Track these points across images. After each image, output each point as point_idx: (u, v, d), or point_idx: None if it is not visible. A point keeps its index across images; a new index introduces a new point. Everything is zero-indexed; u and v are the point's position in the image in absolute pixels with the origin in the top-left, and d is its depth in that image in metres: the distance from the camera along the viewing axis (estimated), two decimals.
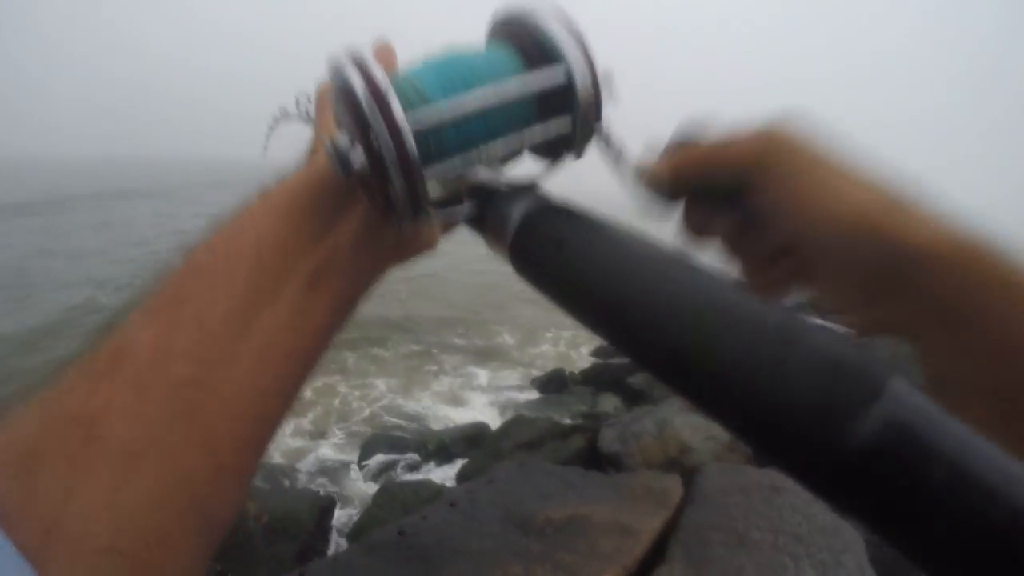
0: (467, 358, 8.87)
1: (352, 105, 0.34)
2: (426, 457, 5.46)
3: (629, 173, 0.40)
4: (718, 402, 0.27)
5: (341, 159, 0.35)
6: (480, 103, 0.37)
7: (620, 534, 2.08)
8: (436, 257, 0.46)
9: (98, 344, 0.33)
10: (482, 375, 8.17)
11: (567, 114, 0.40)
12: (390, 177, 0.34)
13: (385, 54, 0.44)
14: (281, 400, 0.37)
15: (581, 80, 0.39)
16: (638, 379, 6.24)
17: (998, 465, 0.20)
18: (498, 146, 0.39)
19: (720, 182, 0.36)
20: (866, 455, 0.21)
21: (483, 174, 0.42)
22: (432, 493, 3.98)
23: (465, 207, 0.42)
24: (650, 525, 2.16)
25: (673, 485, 2.54)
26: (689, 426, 3.71)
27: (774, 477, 3.05)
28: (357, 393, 7.37)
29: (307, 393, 6.98)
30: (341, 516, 4.27)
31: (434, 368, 8.39)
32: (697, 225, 0.39)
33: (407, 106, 0.35)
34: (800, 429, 0.23)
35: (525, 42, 0.40)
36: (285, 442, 5.91)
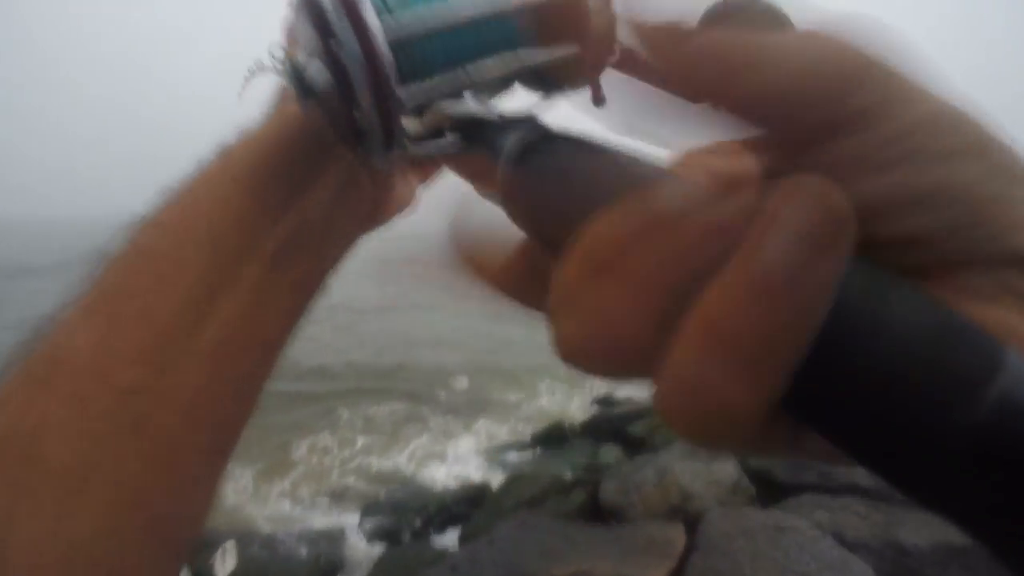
0: (464, 413, 8.78)
1: (312, 6, 0.28)
2: (427, 519, 5.35)
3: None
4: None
5: (297, 77, 0.29)
6: (472, 10, 0.30)
7: None
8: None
9: (32, 348, 0.29)
10: (481, 431, 8.07)
11: (572, 39, 0.32)
12: (356, 95, 0.28)
13: None
14: (243, 401, 0.33)
15: None
16: (639, 427, 6.18)
17: None
18: (489, 67, 0.32)
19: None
20: (981, 442, 0.16)
21: (470, 103, 0.33)
22: (434, 556, 3.90)
23: (448, 140, 0.33)
24: None
25: (676, 534, 2.52)
26: (690, 472, 3.68)
27: (778, 517, 3.02)
28: (347, 452, 7.24)
29: (297, 453, 6.88)
30: None
31: (429, 425, 8.29)
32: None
33: (380, 10, 0.28)
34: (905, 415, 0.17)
35: None
36: (276, 507, 5.79)
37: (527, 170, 0.28)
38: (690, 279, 0.16)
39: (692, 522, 2.76)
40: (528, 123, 0.31)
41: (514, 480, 4.87)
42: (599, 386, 8.98)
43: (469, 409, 8.92)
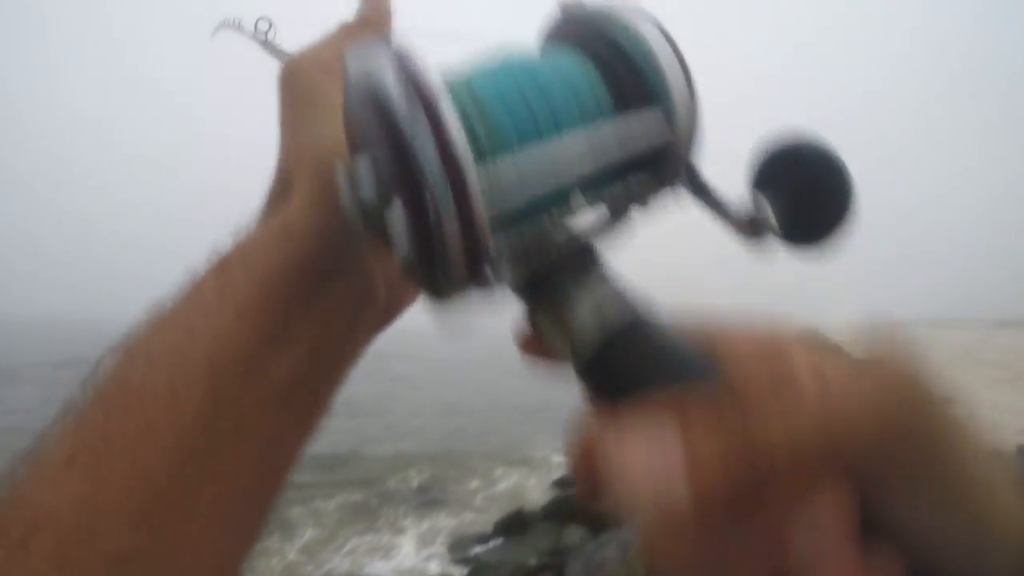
0: (421, 506, 8.48)
1: (399, 149, 0.23)
2: None
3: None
4: None
5: (367, 216, 0.25)
6: (576, 167, 0.27)
7: None
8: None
9: (4, 503, 0.24)
10: (440, 524, 7.78)
11: (650, 169, 0.29)
12: (442, 263, 0.24)
13: (378, 15, 0.35)
14: (244, 552, 0.29)
15: (685, 135, 0.29)
16: (598, 505, 6.08)
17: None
18: (574, 209, 0.29)
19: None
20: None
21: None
22: None
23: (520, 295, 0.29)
24: None
25: None
26: None
27: None
28: (304, 557, 6.89)
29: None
30: None
31: (388, 520, 7.95)
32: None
33: (474, 150, 0.24)
34: None
35: (611, 60, 0.29)
36: None
37: (601, 372, 0.26)
38: None
39: None
40: (596, 270, 0.28)
41: (478, 571, 4.67)
42: (556, 468, 8.86)
43: (423, 500, 8.67)
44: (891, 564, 0.20)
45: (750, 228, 0.28)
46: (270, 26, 0.45)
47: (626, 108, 0.29)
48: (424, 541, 7.21)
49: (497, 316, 0.28)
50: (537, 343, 0.28)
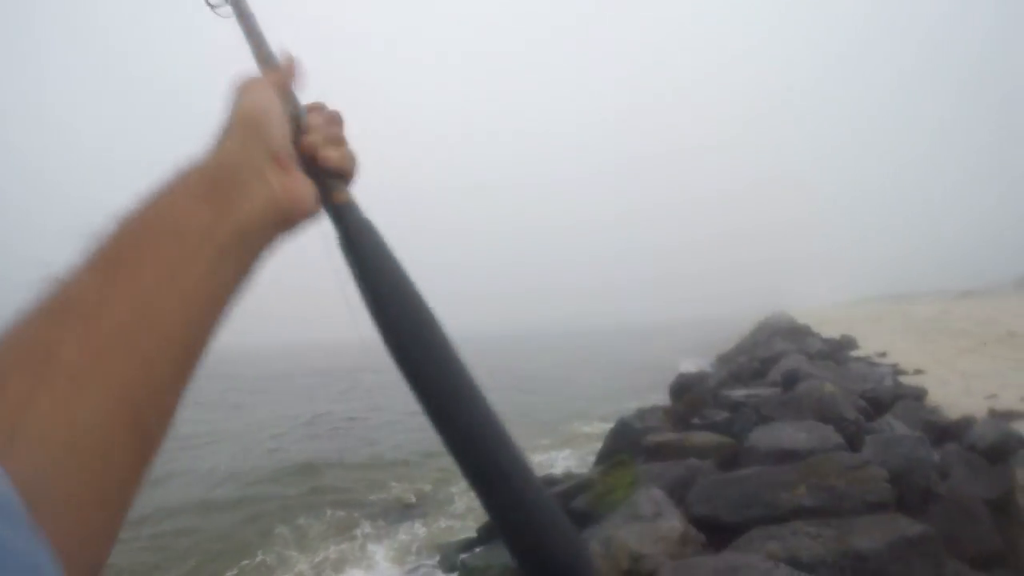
0: (401, 516, 8.36)
1: None
2: None
3: None
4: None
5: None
6: None
7: None
8: None
9: (49, 291, 0.37)
10: (418, 532, 7.67)
11: None
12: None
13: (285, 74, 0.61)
14: (207, 331, 0.43)
15: None
16: (581, 502, 6.00)
17: None
18: None
19: None
20: None
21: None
22: None
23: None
24: None
25: None
26: (635, 534, 3.54)
27: (731, 558, 2.89)
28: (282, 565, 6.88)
29: None
30: None
31: (367, 532, 7.82)
32: None
33: None
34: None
35: None
36: None
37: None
38: None
39: None
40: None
41: (465, 574, 4.55)
42: (537, 468, 8.76)
43: (403, 509, 8.58)
44: None
45: None
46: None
47: None
48: (405, 549, 7.11)
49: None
50: None
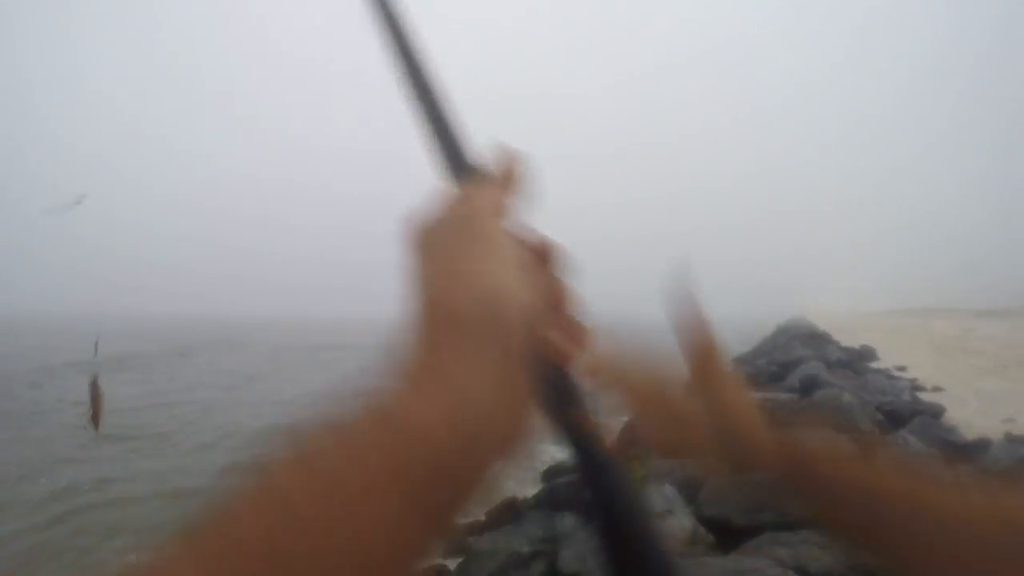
0: None
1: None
2: None
3: None
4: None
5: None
6: None
7: None
8: None
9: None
10: None
11: None
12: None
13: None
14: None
15: None
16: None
17: None
18: None
19: None
20: None
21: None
22: None
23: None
24: None
25: None
26: None
27: (739, 561, 2.95)
28: None
29: None
30: None
31: None
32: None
33: None
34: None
35: None
36: None
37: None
38: None
39: None
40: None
41: (471, 558, 4.65)
42: (545, 458, 8.85)
43: None
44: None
45: None
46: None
47: None
48: None
49: None
50: None
